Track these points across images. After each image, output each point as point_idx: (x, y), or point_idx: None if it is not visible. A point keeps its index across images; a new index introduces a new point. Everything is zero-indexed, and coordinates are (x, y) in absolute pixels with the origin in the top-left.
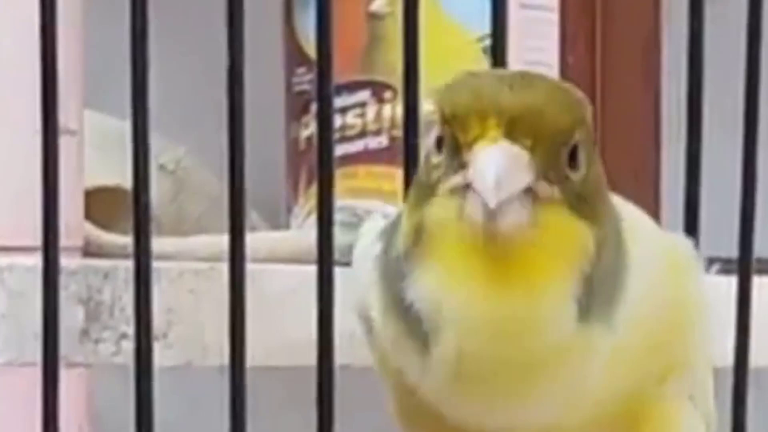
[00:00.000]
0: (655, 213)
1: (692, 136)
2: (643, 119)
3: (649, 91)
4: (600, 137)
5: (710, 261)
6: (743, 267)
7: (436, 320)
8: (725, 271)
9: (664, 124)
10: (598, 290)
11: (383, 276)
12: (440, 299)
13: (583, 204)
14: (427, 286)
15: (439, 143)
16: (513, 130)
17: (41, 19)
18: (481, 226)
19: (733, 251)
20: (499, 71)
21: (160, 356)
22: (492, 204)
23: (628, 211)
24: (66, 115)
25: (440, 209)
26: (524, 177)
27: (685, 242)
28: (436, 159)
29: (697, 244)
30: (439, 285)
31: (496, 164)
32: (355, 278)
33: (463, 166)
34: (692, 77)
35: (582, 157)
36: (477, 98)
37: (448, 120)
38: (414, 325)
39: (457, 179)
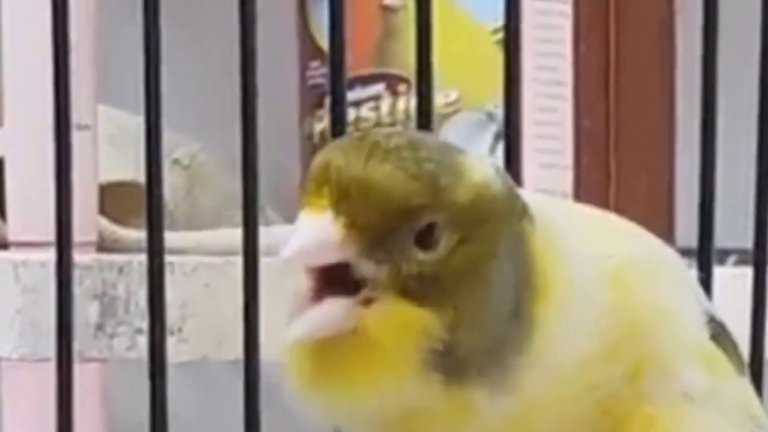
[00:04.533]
0: (669, 203)
1: (707, 126)
2: (657, 110)
3: (664, 83)
4: (614, 129)
5: (726, 252)
6: (759, 257)
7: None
8: (741, 263)
9: (678, 115)
10: (471, 359)
11: None
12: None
13: (433, 285)
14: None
15: None
16: (341, 203)
17: (53, 14)
18: (303, 338)
19: (748, 242)
20: (385, 134)
21: (174, 351)
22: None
23: (573, 232)
24: (79, 111)
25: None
26: (333, 252)
27: (643, 250)
28: None
29: (712, 235)
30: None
31: (306, 234)
32: None
33: None
34: (706, 67)
35: (444, 239)
36: (323, 164)
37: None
38: None
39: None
